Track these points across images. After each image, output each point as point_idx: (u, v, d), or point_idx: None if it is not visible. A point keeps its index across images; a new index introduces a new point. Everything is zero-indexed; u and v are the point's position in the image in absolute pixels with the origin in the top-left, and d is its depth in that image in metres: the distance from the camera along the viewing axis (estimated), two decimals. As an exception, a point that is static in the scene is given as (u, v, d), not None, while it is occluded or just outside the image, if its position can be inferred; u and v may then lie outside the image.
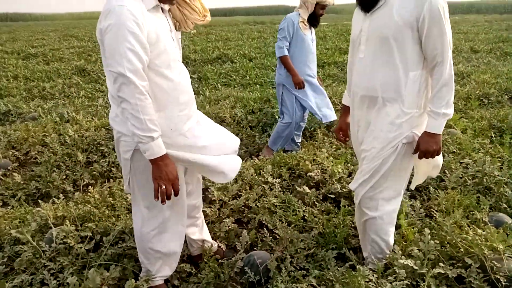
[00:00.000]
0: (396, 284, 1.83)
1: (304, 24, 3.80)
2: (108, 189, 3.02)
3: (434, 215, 2.67)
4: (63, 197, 2.94)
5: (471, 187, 3.04)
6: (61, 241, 2.32)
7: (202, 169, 1.98)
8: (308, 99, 3.86)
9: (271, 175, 3.15)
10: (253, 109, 5.25)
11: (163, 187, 1.74)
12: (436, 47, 1.75)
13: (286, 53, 3.79)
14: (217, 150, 1.99)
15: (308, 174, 3.14)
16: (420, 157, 1.90)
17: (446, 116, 1.81)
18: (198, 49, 11.20)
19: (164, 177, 1.72)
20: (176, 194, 1.79)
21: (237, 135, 4.59)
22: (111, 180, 3.55)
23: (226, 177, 2.02)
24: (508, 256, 2.02)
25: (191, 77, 7.81)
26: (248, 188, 3.00)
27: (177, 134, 1.85)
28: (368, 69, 1.92)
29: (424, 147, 1.85)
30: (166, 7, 1.83)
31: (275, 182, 3.03)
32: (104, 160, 3.87)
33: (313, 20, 3.83)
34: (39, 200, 3.05)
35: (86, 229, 2.44)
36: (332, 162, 3.33)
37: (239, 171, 3.16)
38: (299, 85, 3.82)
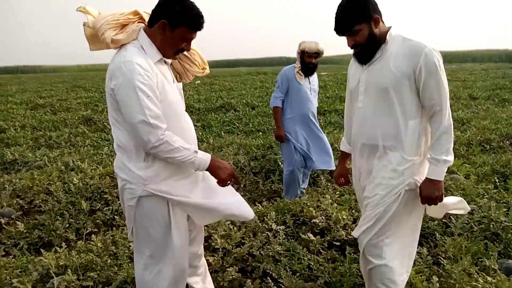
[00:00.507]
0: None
1: (300, 74, 3.92)
2: (111, 237, 3.00)
3: (442, 262, 2.62)
4: (65, 246, 2.92)
5: (478, 233, 3.00)
6: (62, 292, 2.28)
7: (211, 214, 2.01)
8: (300, 143, 3.97)
9: (275, 222, 3.13)
10: (256, 156, 5.30)
11: (231, 182, 1.92)
12: (434, 97, 1.81)
13: (277, 104, 3.97)
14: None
15: (312, 221, 3.12)
16: (423, 203, 1.92)
17: (447, 163, 1.84)
18: (202, 99, 11.47)
19: (226, 172, 1.87)
20: (238, 182, 1.98)
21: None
22: (114, 228, 3.53)
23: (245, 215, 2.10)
24: (520, 306, 1.96)
25: (195, 125, 7.95)
26: (251, 235, 2.97)
27: (184, 177, 1.90)
28: (368, 119, 1.98)
29: (427, 193, 1.86)
30: (169, 60, 1.94)
31: (279, 229, 3.00)
32: (107, 208, 3.86)
33: (304, 69, 3.92)
34: (42, 249, 3.02)
35: (88, 278, 2.41)
36: (336, 208, 3.31)
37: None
38: (280, 139, 4.00)
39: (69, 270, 2.45)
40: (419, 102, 1.87)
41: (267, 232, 2.96)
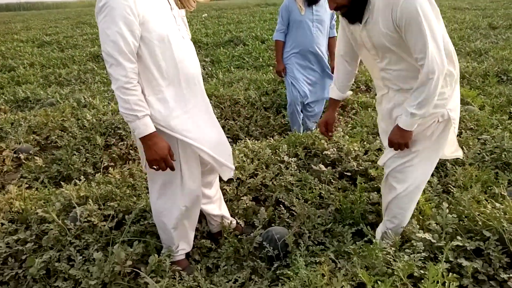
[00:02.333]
0: (414, 256, 1.85)
1: (300, 4, 3.70)
2: (128, 170, 3.09)
3: (452, 190, 2.66)
4: (84, 179, 3.02)
5: (489, 163, 3.02)
6: (85, 220, 2.40)
7: (208, 158, 2.03)
8: (296, 81, 3.89)
9: (286, 154, 3.18)
10: (267, 91, 5.25)
11: (156, 167, 1.81)
12: (417, 46, 1.69)
13: (278, 37, 3.84)
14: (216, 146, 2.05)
15: (323, 153, 3.15)
16: (389, 146, 1.97)
17: (415, 116, 1.80)
18: (210, 33, 11.15)
19: (155, 156, 1.78)
20: (172, 169, 1.85)
21: (251, 116, 4.62)
22: (130, 162, 3.63)
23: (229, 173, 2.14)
24: (527, 229, 2.02)
25: (203, 61, 7.87)
26: (264, 167, 3.03)
27: (184, 114, 1.89)
28: (385, 69, 1.93)
29: (393, 138, 1.93)
30: None
31: (291, 161, 3.05)
32: (122, 143, 3.95)
33: None
34: (62, 182, 3.13)
35: (109, 208, 2.52)
36: (347, 140, 3.33)
37: (256, 151, 3.20)
38: (278, 74, 3.94)
39: (90, 200, 2.55)
40: None
41: (279, 164, 3.02)
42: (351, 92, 2.31)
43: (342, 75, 2.19)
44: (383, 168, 2.97)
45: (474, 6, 17.33)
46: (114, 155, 3.75)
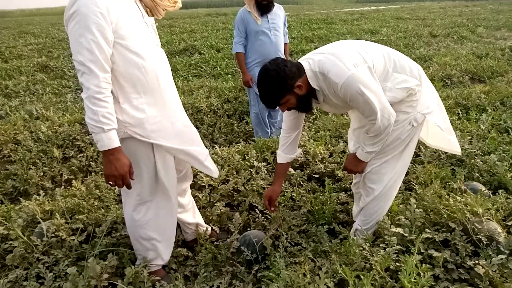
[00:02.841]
0: (389, 250, 1.94)
1: (255, 15, 3.77)
2: (93, 182, 2.98)
3: (414, 187, 2.81)
4: (43, 194, 2.87)
5: (445, 161, 3.22)
6: (53, 235, 2.29)
7: (189, 159, 2.02)
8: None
9: (256, 159, 3.20)
10: (228, 98, 5.27)
11: (112, 183, 1.76)
12: (365, 112, 1.89)
13: (238, 49, 3.88)
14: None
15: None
16: (343, 170, 2.27)
17: (371, 153, 2.07)
18: (164, 42, 11.00)
19: (114, 171, 1.72)
20: (128, 187, 1.80)
21: (215, 124, 4.61)
22: (92, 174, 3.49)
23: (212, 171, 2.11)
24: (486, 218, 2.18)
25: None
26: (235, 172, 3.04)
27: (161, 119, 1.86)
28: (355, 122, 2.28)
29: (350, 166, 2.18)
30: None
31: (261, 166, 3.08)
32: (81, 155, 3.79)
33: (259, 8, 3.76)
34: (20, 198, 2.96)
35: (77, 221, 2.41)
36: (313, 144, 3.42)
37: (225, 157, 3.21)
38: (246, 84, 3.96)
39: (56, 214, 2.43)
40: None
41: (249, 169, 3.04)
42: (300, 150, 2.36)
43: (288, 144, 2.26)
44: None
45: (414, 16, 18.49)
46: (73, 167, 3.59)
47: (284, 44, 4.06)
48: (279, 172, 2.35)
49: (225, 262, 2.27)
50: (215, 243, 2.37)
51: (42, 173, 3.49)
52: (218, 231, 2.54)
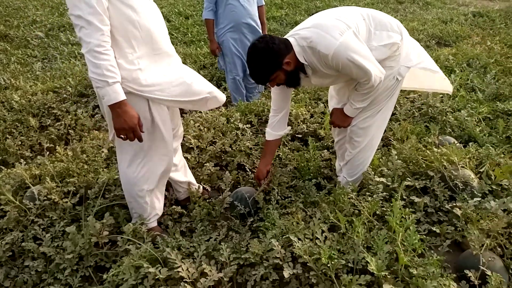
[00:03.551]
0: (376, 196, 2.08)
1: None
2: (79, 147, 2.95)
3: (392, 143, 2.96)
4: (24, 162, 2.83)
5: (419, 118, 3.40)
6: (45, 198, 2.29)
7: (189, 106, 2.05)
8: (234, 55, 3.93)
9: (240, 122, 3.26)
10: (204, 65, 5.23)
11: (124, 136, 1.80)
12: (359, 75, 1.95)
13: (208, 16, 3.81)
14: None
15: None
16: (330, 124, 2.38)
17: (359, 109, 2.18)
18: (130, 10, 10.58)
19: (124, 124, 1.75)
20: (140, 140, 1.84)
21: (193, 90, 4.59)
22: (73, 141, 3.45)
23: (217, 100, 2.11)
24: (461, 167, 2.36)
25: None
26: (221, 134, 3.09)
27: (156, 72, 1.87)
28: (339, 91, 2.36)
29: (337, 121, 2.28)
30: None
31: (246, 127, 3.15)
32: (59, 123, 3.71)
33: None
34: (0, 166, 2.91)
35: (68, 184, 2.41)
36: (294, 106, 3.50)
37: (210, 120, 3.25)
38: (213, 53, 3.95)
39: (46, 178, 2.42)
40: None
41: (235, 131, 3.10)
42: (289, 128, 2.40)
43: (276, 122, 2.31)
44: (330, 129, 3.21)
45: (381, -17, 18.55)
46: (52, 136, 3.52)
47: (259, 6, 4.01)
48: (268, 149, 2.40)
49: (219, 217, 2.35)
50: (207, 200, 2.44)
51: (20, 142, 3.41)
52: (209, 190, 2.62)
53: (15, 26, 8.65)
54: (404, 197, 2.21)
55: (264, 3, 4.08)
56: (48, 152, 3.21)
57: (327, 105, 3.66)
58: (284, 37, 2.00)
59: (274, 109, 2.31)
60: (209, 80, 4.82)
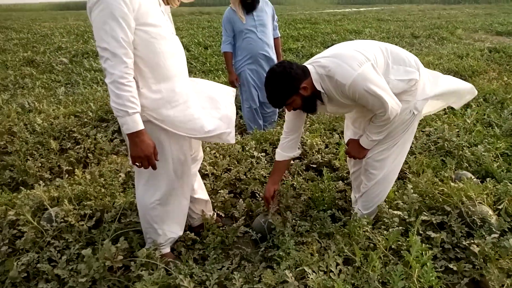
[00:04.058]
0: (393, 230, 2.05)
1: (240, 14, 3.84)
2: (98, 170, 3.01)
3: (407, 176, 2.95)
4: (43, 184, 2.89)
5: (435, 152, 3.38)
6: (62, 220, 2.33)
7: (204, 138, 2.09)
8: (250, 85, 4.06)
9: (255, 150, 3.29)
10: (221, 93, 5.33)
11: (139, 164, 1.83)
12: (375, 106, 1.99)
13: (226, 49, 3.96)
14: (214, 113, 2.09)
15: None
16: (345, 154, 2.39)
17: (375, 141, 2.20)
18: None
19: (140, 153, 1.79)
20: (154, 168, 1.87)
21: (209, 118, 4.67)
22: (91, 165, 3.52)
23: (229, 135, 2.12)
24: (479, 202, 2.32)
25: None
26: (236, 162, 3.12)
27: (175, 104, 1.92)
28: (357, 119, 2.34)
29: (353, 152, 2.30)
30: None
31: (261, 155, 3.17)
32: (79, 147, 3.81)
33: (244, 6, 3.83)
34: (21, 187, 2.97)
35: (85, 207, 2.45)
36: (309, 136, 3.53)
37: (226, 148, 3.28)
38: (232, 84, 4.06)
39: (64, 200, 2.46)
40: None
41: (250, 159, 3.13)
42: (300, 151, 2.43)
43: (288, 144, 2.35)
44: (344, 159, 3.21)
45: (395, 18, 18.90)
46: (71, 159, 3.61)
47: (275, 38, 4.15)
48: (276, 169, 2.43)
49: (232, 245, 2.35)
50: (221, 228, 2.44)
51: (40, 164, 3.50)
52: (223, 217, 2.62)
53: (41, 52, 9.04)
54: (420, 232, 2.18)
55: (279, 35, 4.21)
56: (67, 175, 3.28)
57: (342, 136, 3.69)
58: (303, 64, 2.05)
59: (286, 131, 2.34)
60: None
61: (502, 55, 7.62)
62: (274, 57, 4.10)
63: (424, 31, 12.70)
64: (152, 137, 1.90)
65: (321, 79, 1.99)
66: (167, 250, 2.24)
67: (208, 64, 7.60)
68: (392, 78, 2.06)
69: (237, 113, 4.80)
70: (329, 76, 1.95)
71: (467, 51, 8.30)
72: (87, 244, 2.27)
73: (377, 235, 2.08)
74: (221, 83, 5.72)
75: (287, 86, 1.95)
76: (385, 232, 2.10)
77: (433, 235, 2.13)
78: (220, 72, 6.92)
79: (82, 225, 2.33)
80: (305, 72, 1.99)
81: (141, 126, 1.77)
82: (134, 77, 1.79)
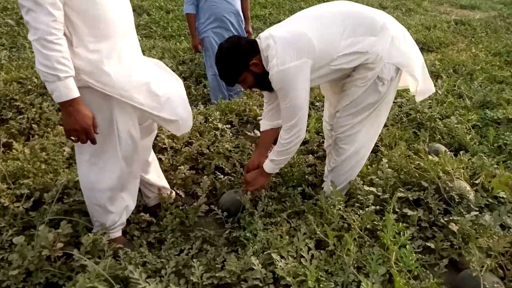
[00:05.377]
0: (368, 209, 1.88)
1: None
2: (38, 143, 2.66)
3: (380, 149, 2.79)
4: (-22, 159, 2.53)
5: (407, 124, 3.24)
6: (-7, 201, 2.00)
7: (153, 117, 1.80)
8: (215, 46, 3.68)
9: (219, 121, 3.03)
10: (183, 60, 4.97)
11: (74, 138, 1.57)
12: (285, 113, 1.90)
13: (189, 10, 3.60)
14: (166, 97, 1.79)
15: (257, 119, 3.08)
16: (245, 183, 2.17)
17: (277, 163, 2.05)
18: (108, 1, 10.20)
19: (75, 125, 1.53)
20: (93, 142, 1.61)
21: (170, 86, 4.33)
22: (35, 136, 3.14)
23: (179, 128, 1.86)
24: (456, 177, 2.19)
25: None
26: (198, 135, 2.85)
27: (119, 66, 1.62)
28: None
29: (249, 178, 2.13)
30: None
31: (226, 128, 2.92)
32: (21, 117, 3.38)
33: None
34: None
35: (22, 186, 2.13)
36: (277, 106, 3.30)
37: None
38: (195, 48, 3.76)
39: (-4, 179, 2.13)
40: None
41: (214, 131, 2.86)
42: None
43: (271, 112, 2.17)
44: (315, 132, 3.02)
45: (364, -12, 18.65)
46: (12, 130, 3.20)
47: (243, 0, 3.81)
48: (262, 141, 2.26)
49: (193, 226, 2.12)
50: (180, 207, 2.19)
51: (-26, 136, 3.08)
52: (183, 196, 2.37)
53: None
54: (397, 210, 2.03)
55: None
56: (4, 149, 2.89)
57: (313, 106, 3.49)
58: (260, 34, 1.89)
59: (266, 101, 2.19)
60: (188, 77, 4.62)
61: (468, 27, 7.60)
62: (241, 21, 3.77)
63: (391, 2, 12.53)
64: (92, 106, 1.60)
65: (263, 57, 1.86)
66: (118, 234, 1.98)
67: (169, 29, 7.09)
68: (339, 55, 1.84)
69: (200, 82, 4.50)
70: (267, 57, 1.83)
71: (434, 22, 8.24)
72: (24, 229, 1.97)
73: (351, 214, 1.91)
74: (184, 48, 5.36)
75: (235, 63, 1.86)
76: (360, 211, 1.92)
77: (409, 213, 1.99)
78: (183, 37, 6.48)
79: (18, 206, 2.02)
80: (255, 47, 1.86)
81: (75, 93, 1.48)
82: (66, 34, 1.48)
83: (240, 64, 1.85)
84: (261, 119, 2.24)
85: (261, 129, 2.23)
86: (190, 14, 3.62)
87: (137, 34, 5.79)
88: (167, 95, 1.77)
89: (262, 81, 1.90)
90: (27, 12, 1.37)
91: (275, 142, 2.07)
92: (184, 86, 4.24)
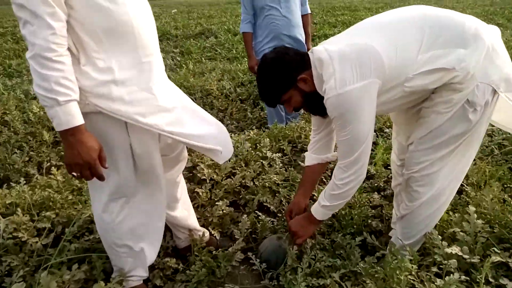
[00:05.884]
0: (449, 279, 1.40)
1: None
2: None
3: (465, 189, 2.24)
4: (24, 181, 2.43)
5: (500, 157, 2.64)
6: (10, 235, 1.83)
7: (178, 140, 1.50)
8: None
9: (269, 149, 2.68)
10: (242, 82, 4.77)
11: (76, 174, 1.30)
12: (342, 146, 1.52)
13: (245, 29, 3.34)
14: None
15: (313, 147, 2.69)
16: (289, 232, 1.79)
17: (329, 209, 1.67)
18: (180, 25, 10.59)
19: (77, 159, 1.25)
20: (100, 179, 1.33)
21: (226, 109, 4.12)
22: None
23: (218, 154, 1.57)
24: None
25: (172, 51, 7.28)
26: (243, 165, 2.52)
27: (137, 87, 1.35)
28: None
29: (294, 227, 1.75)
30: None
31: (275, 157, 2.56)
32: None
33: None
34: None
35: (44, 219, 1.95)
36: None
37: (233, 146, 2.71)
38: (251, 69, 3.44)
39: (18, 209, 1.97)
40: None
41: (261, 161, 2.52)
42: (336, 153, 1.80)
43: (318, 144, 1.81)
44: (383, 165, 2.55)
45: (442, 5, 17.54)
46: (63, 152, 3.15)
47: (303, 15, 3.47)
48: (306, 178, 1.88)
49: (225, 278, 1.77)
50: (213, 252, 1.86)
51: (27, 158, 3.07)
52: (218, 237, 2.04)
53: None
54: (490, 279, 1.51)
55: (309, 12, 3.52)
56: (50, 171, 2.82)
57: (380, 133, 3.02)
58: (313, 48, 1.53)
59: (314, 129, 1.82)
60: (245, 99, 4.37)
61: None
62: (302, 38, 3.44)
63: (478, 18, 11.56)
64: (109, 133, 1.35)
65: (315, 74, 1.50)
66: (137, 283, 1.69)
67: (234, 51, 7.03)
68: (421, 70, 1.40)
69: (257, 104, 4.23)
70: (320, 75, 1.46)
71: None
72: (38, 268, 1.76)
73: (426, 284, 1.43)
74: (243, 70, 5.16)
75: (280, 76, 1.51)
76: (437, 280, 1.44)
77: (510, 284, 1.46)
78: (246, 59, 6.35)
79: (36, 242, 1.83)
80: (306, 61, 1.51)
81: (78, 120, 1.22)
82: (71, 50, 1.25)
83: (286, 78, 1.51)
84: (306, 152, 1.86)
85: (306, 163, 1.85)
86: (246, 33, 3.39)
87: (202, 57, 5.77)
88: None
89: (312, 102, 1.55)
90: (24, 25, 1.16)
91: None
92: (240, 108, 4.03)
